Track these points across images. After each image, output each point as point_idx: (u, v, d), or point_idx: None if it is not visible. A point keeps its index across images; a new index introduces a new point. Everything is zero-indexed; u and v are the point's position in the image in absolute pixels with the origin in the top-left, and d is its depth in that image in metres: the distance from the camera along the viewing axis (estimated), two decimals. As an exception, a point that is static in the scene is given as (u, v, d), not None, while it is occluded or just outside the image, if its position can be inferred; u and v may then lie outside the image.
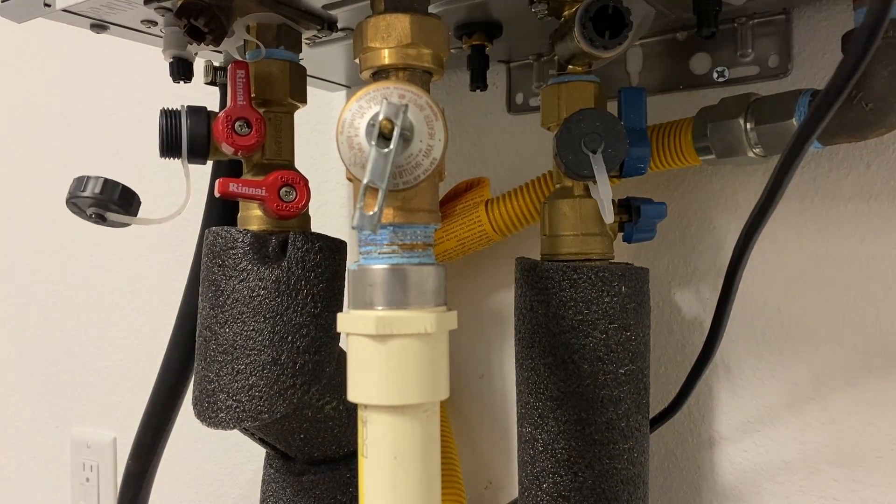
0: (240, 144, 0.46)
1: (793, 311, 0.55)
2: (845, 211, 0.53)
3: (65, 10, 0.48)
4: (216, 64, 0.61)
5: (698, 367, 0.49)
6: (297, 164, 0.51)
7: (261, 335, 0.46)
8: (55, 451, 1.03)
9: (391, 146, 0.36)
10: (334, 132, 0.38)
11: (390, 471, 0.37)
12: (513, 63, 0.67)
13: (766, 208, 0.41)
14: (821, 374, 0.54)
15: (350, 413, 0.51)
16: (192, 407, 0.49)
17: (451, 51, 0.53)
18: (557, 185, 0.52)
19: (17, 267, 1.08)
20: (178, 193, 0.46)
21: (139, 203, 0.45)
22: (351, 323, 0.38)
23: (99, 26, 0.52)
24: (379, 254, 0.38)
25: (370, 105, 0.37)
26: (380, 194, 0.36)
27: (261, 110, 0.48)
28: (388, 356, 0.37)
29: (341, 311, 0.49)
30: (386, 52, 0.40)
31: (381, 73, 0.41)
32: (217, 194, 0.45)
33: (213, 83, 0.61)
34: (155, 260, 0.91)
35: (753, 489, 0.57)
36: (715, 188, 0.58)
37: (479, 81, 0.57)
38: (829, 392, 0.54)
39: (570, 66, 0.49)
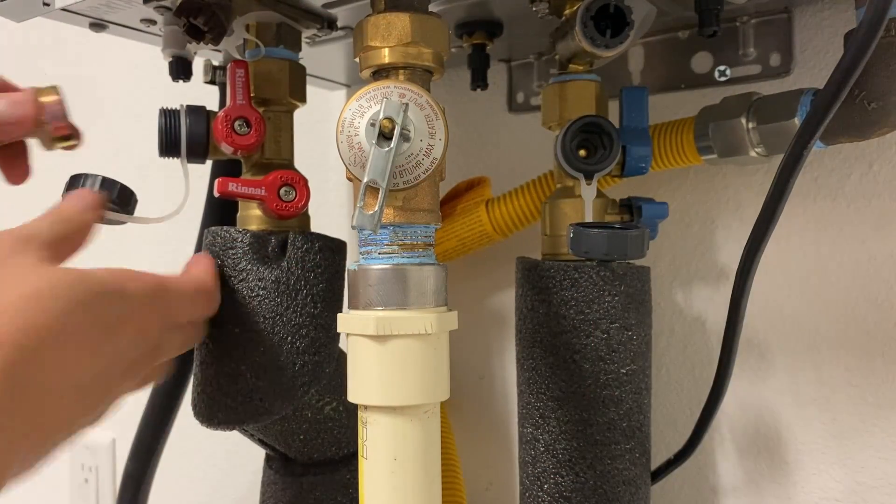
0: (239, 144, 0.45)
1: (795, 311, 0.55)
2: (847, 211, 0.53)
3: (64, 10, 0.48)
4: (215, 63, 0.60)
5: (707, 413, 0.48)
6: (297, 164, 0.51)
7: (260, 336, 0.46)
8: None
9: (391, 145, 0.36)
10: (334, 131, 0.37)
11: (390, 472, 0.37)
12: (514, 62, 0.66)
13: (765, 230, 0.41)
14: (822, 374, 0.54)
15: (350, 414, 0.51)
16: (191, 408, 0.49)
17: (452, 49, 0.53)
18: (558, 185, 0.51)
19: (16, 267, 1.07)
20: (178, 193, 0.46)
21: (136, 202, 0.45)
22: (351, 323, 0.37)
23: (98, 25, 0.51)
24: (379, 254, 0.38)
25: (370, 104, 0.37)
26: (380, 194, 0.36)
27: (260, 109, 0.47)
28: (388, 357, 0.37)
29: (341, 311, 0.49)
30: (386, 51, 0.39)
31: (381, 72, 0.40)
32: (216, 194, 0.45)
33: (212, 82, 0.60)
34: (154, 260, 0.91)
35: (755, 489, 0.57)
36: (717, 188, 0.58)
37: (479, 80, 0.57)
38: (831, 393, 0.54)
39: (572, 65, 0.49)
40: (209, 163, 0.54)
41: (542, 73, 0.64)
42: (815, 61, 0.54)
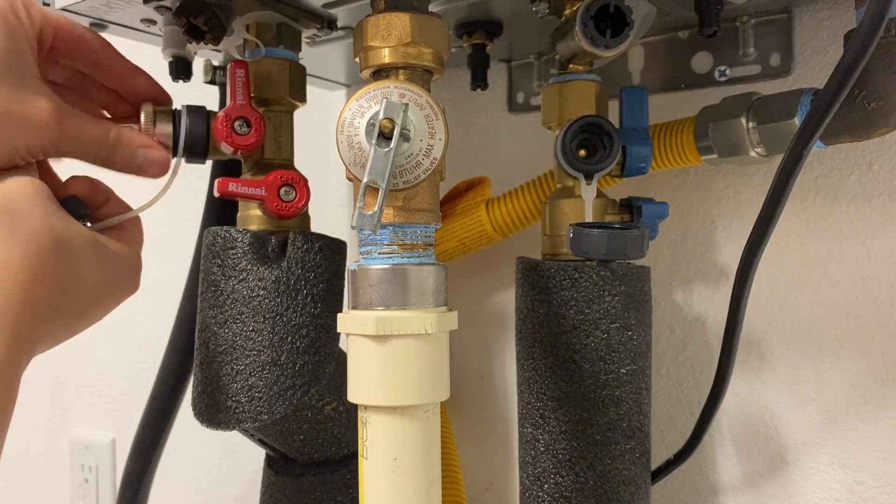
0: (239, 144, 0.45)
1: (794, 311, 0.55)
2: (847, 211, 0.53)
3: (64, 10, 0.48)
4: (215, 63, 0.60)
5: (707, 413, 0.49)
6: (297, 164, 0.51)
7: (260, 335, 0.46)
8: (54, 452, 1.03)
9: (391, 145, 0.36)
10: (334, 131, 0.37)
11: (390, 472, 0.37)
12: (514, 62, 0.66)
13: (765, 229, 0.41)
14: (822, 374, 0.54)
15: (350, 414, 0.51)
16: (191, 407, 0.49)
17: (452, 49, 0.53)
18: (558, 185, 0.51)
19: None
20: (178, 193, 0.46)
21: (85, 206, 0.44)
22: (351, 323, 0.37)
23: (98, 25, 0.51)
24: (379, 254, 0.38)
25: (370, 104, 0.37)
26: (380, 194, 0.36)
27: (260, 109, 0.47)
28: (388, 357, 0.37)
29: (341, 311, 0.49)
30: (386, 51, 0.39)
31: (381, 72, 0.40)
32: (217, 194, 0.45)
33: (212, 82, 0.60)
34: (154, 260, 0.90)
35: (755, 489, 0.57)
36: (717, 188, 0.58)
37: (479, 80, 0.57)
38: (831, 392, 0.54)
39: (572, 65, 0.49)
40: (209, 163, 0.54)
41: (542, 73, 0.64)
42: (815, 61, 0.54)
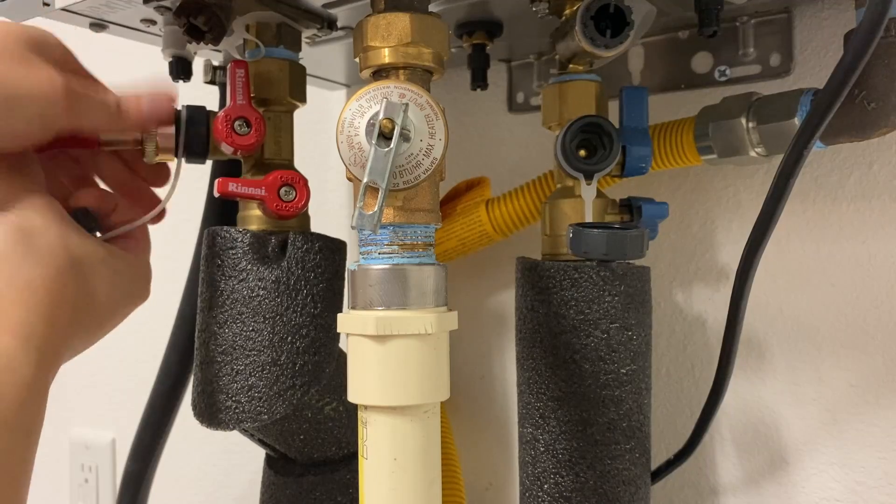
0: (239, 144, 0.45)
1: (794, 311, 0.55)
2: (847, 211, 0.53)
3: (64, 10, 0.48)
4: (215, 63, 0.60)
5: (707, 413, 0.49)
6: (297, 164, 0.51)
7: (260, 336, 0.46)
8: (54, 452, 1.03)
9: (391, 145, 0.36)
10: (334, 131, 0.37)
11: (390, 472, 0.37)
12: (514, 62, 0.66)
13: (765, 230, 0.41)
14: (822, 374, 0.54)
15: (350, 414, 0.51)
16: (191, 408, 0.49)
17: (452, 49, 0.53)
18: (558, 185, 0.51)
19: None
20: (178, 193, 0.46)
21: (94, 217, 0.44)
22: (351, 323, 0.38)
23: (98, 25, 0.51)
24: (379, 254, 0.38)
25: (370, 104, 0.37)
26: (380, 194, 0.36)
27: (260, 109, 0.47)
28: (387, 357, 0.37)
29: (341, 311, 0.49)
30: (386, 51, 0.39)
31: (381, 72, 0.40)
32: (217, 194, 0.45)
33: (212, 82, 0.60)
34: (154, 259, 0.91)
35: (755, 489, 0.57)
36: (717, 188, 0.58)
37: (479, 80, 0.57)
38: (831, 393, 0.54)
39: (572, 65, 0.49)
40: (209, 163, 0.54)
41: (542, 73, 0.64)
42: (815, 61, 0.54)
